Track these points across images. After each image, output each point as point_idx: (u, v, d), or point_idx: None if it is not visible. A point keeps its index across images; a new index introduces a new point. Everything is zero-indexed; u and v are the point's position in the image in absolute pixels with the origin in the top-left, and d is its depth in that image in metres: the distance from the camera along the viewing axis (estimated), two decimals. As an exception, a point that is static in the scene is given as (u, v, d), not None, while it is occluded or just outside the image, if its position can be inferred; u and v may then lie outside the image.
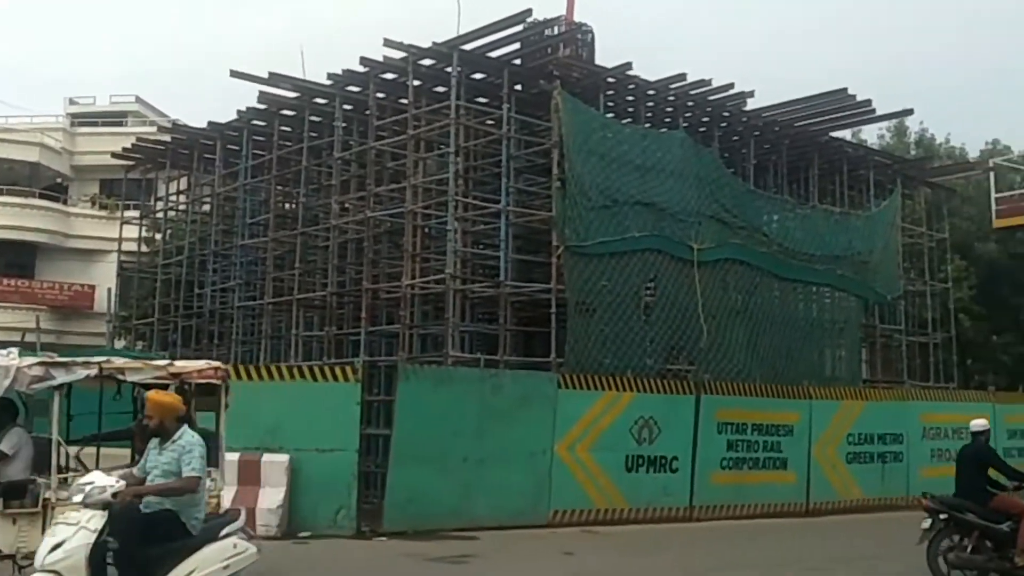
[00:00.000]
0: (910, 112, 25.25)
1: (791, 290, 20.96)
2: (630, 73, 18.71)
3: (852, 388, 20.05)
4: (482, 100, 18.82)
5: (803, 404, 17.75)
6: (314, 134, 20.41)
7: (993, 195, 34.27)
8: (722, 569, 11.54)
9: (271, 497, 13.02)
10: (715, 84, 19.67)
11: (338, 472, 13.36)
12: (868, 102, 20.96)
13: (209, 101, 58.27)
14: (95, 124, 40.15)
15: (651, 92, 19.62)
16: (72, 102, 43.64)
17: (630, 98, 19.88)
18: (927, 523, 10.73)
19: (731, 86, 19.87)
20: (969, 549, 10.61)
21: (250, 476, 12.89)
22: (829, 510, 17.65)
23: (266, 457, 13.24)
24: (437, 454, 13.97)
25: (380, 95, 19.09)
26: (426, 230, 19.18)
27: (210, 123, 22.97)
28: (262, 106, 20.75)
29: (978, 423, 11.31)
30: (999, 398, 21.59)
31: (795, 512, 17.26)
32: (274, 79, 19.60)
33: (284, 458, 13.24)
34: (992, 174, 33.60)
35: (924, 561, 10.61)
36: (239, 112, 21.76)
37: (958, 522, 10.67)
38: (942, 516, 10.70)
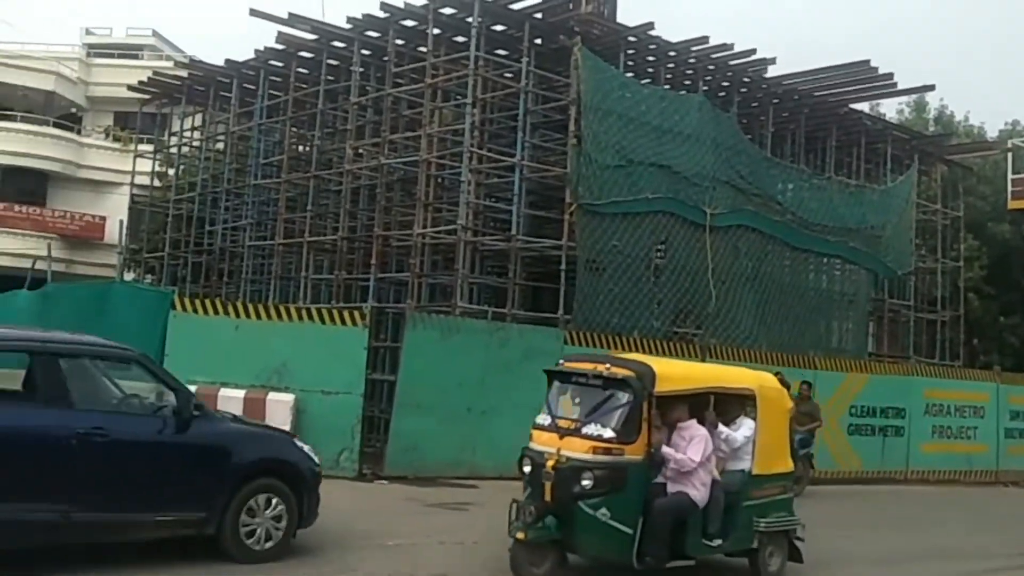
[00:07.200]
0: (931, 88, 24.94)
1: (802, 260, 20.95)
2: (651, 33, 18.52)
3: (858, 360, 20.11)
4: (501, 52, 18.65)
5: (807, 374, 17.77)
6: (331, 77, 20.32)
7: (1010, 176, 34.01)
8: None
9: (275, 436, 13.11)
10: (737, 49, 19.50)
11: (343, 415, 13.44)
12: (890, 75, 20.75)
13: (226, 40, 57.84)
14: (111, 56, 39.68)
15: (672, 54, 19.44)
16: (88, 32, 43.20)
17: (650, 58, 19.71)
18: None
19: (753, 51, 19.67)
20: None
21: (255, 413, 12.90)
22: (827, 479, 17.71)
23: (272, 396, 13.35)
24: (441, 403, 14.06)
25: (399, 41, 18.96)
26: (439, 180, 19.17)
27: (227, 61, 22.85)
28: (280, 47, 20.60)
29: None
30: (1004, 378, 21.69)
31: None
32: (292, 20, 19.46)
33: (289, 398, 13.33)
34: (1010, 155, 33.39)
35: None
36: (256, 52, 21.61)
37: None
38: None
